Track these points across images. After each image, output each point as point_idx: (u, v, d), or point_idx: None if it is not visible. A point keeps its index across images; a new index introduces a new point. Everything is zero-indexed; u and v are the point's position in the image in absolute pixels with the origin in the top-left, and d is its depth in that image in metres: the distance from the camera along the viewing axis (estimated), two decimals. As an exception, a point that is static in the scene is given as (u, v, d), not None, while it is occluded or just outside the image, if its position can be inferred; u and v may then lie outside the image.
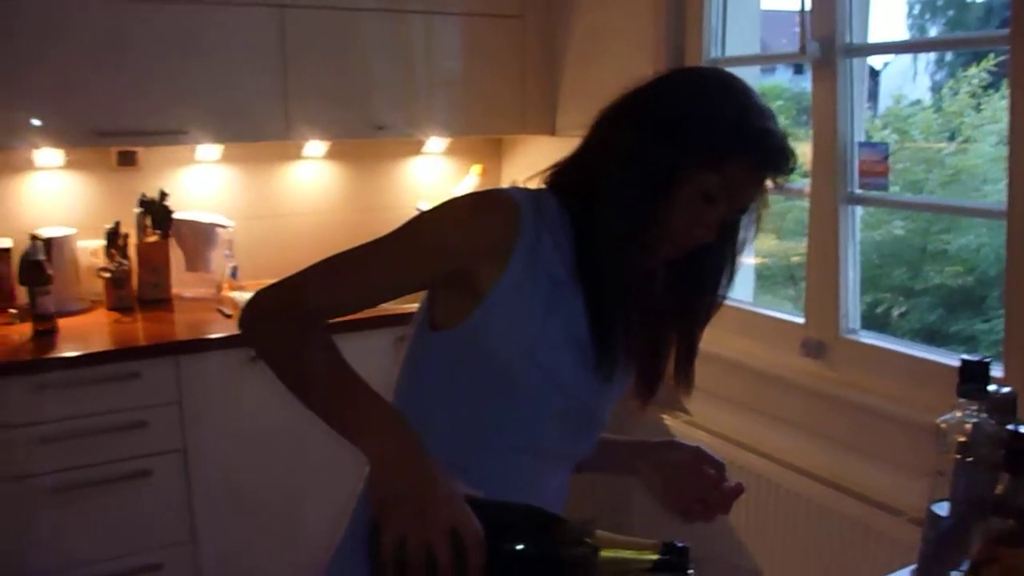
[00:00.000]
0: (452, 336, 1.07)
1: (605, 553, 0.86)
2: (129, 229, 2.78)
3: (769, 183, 1.07)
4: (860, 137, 2.20)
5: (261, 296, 1.04)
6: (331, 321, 1.04)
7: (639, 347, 1.14)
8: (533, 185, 1.13)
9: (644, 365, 1.16)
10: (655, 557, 0.87)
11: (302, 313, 1.02)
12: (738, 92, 1.08)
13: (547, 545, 0.87)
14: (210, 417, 2.48)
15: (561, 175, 1.12)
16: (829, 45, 2.15)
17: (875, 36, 2.25)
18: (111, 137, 2.59)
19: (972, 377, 1.07)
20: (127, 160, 2.87)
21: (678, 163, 1.03)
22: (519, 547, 0.85)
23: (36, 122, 2.45)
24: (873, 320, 4.18)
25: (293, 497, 2.61)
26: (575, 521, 0.88)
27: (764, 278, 4.49)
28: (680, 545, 0.88)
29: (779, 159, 1.05)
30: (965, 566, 0.96)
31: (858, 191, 2.19)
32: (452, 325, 1.07)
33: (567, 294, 1.06)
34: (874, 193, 2.18)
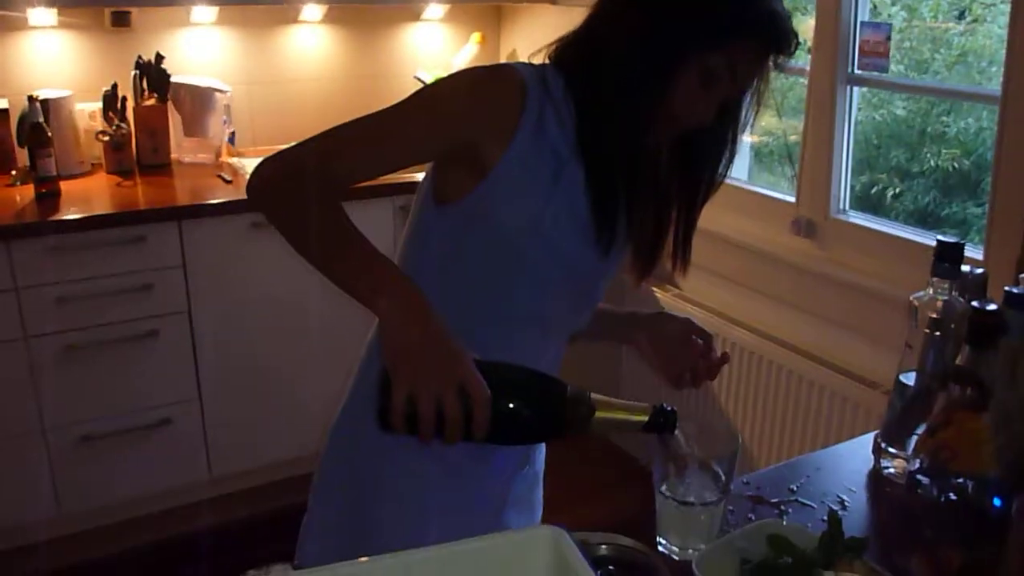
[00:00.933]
0: (458, 209, 1.09)
1: (600, 413, 0.93)
2: (126, 92, 2.77)
3: (770, 63, 1.07)
4: (864, 16, 2.18)
5: (269, 163, 1.05)
6: (340, 189, 1.06)
7: (639, 224, 1.17)
8: (538, 60, 1.13)
9: (643, 242, 1.19)
10: (646, 418, 0.94)
11: (312, 179, 1.03)
12: None
13: (547, 404, 0.93)
14: (213, 281, 2.54)
15: (566, 51, 1.12)
16: (839, -82, 2.11)
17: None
18: (106, -3, 2.54)
19: (946, 257, 1.13)
20: (121, 21, 2.82)
21: (684, 43, 1.03)
22: (521, 404, 0.91)
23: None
24: (868, 201, 4.21)
25: (294, 360, 2.71)
26: (572, 384, 0.95)
27: (763, 156, 4.48)
28: (669, 408, 0.95)
29: (783, 40, 1.05)
30: (922, 429, 1.04)
31: (858, 71, 2.19)
32: (458, 198, 1.09)
33: (570, 170, 1.08)
34: (872, 74, 2.18)
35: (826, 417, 2.17)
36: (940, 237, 1.13)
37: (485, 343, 1.04)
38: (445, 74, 3.08)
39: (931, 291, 1.15)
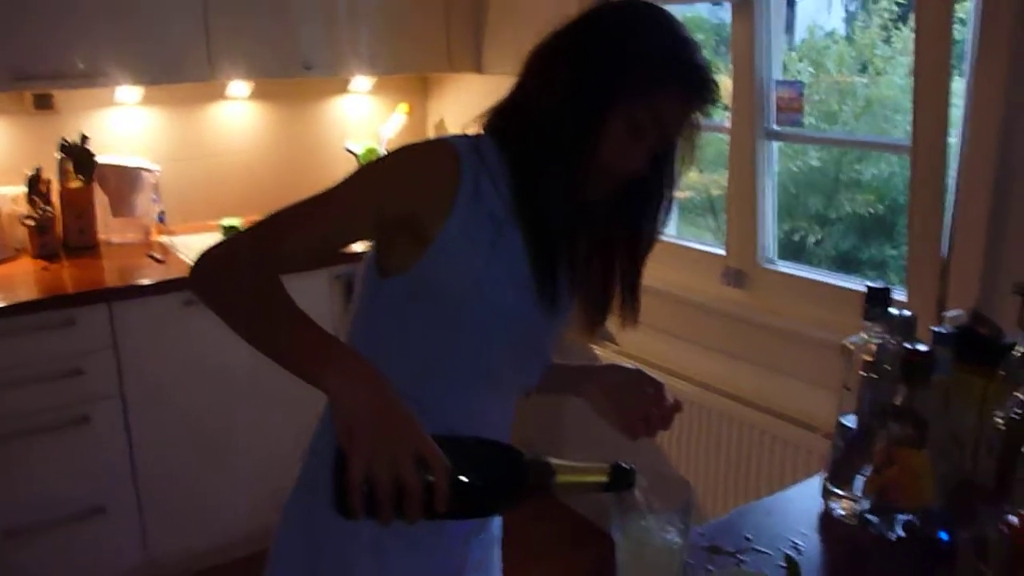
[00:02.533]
0: (402, 281, 1.11)
1: (561, 477, 0.93)
2: (50, 175, 2.72)
3: (696, 113, 1.10)
4: (778, 74, 2.28)
5: (209, 252, 1.06)
6: (280, 271, 1.06)
7: (584, 280, 1.19)
8: (472, 130, 1.16)
9: (589, 296, 1.21)
10: (605, 478, 0.95)
11: (251, 264, 1.04)
12: (667, 25, 1.11)
13: (506, 472, 0.92)
14: (146, 361, 2.49)
15: (497, 118, 1.15)
16: (748, -16, 2.22)
17: (791, -26, 2.32)
18: (28, 81, 2.51)
19: (876, 302, 1.18)
20: (44, 103, 2.79)
21: (611, 96, 1.05)
22: (480, 475, 0.90)
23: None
24: (790, 248, 4.35)
25: (233, 434, 2.65)
26: (528, 450, 0.95)
27: (686, 210, 4.61)
28: (627, 466, 0.96)
29: (706, 91, 1.08)
30: (867, 470, 1.07)
31: (775, 127, 2.29)
32: (402, 270, 1.10)
33: (508, 232, 1.10)
34: (790, 129, 2.28)
35: (768, 462, 2.21)
36: (868, 283, 1.18)
37: (437, 406, 1.06)
38: (374, 145, 3.11)
39: (863, 335, 1.20)
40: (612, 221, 1.19)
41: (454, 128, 1.21)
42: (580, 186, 1.11)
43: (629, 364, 1.35)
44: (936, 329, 1.08)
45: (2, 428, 2.30)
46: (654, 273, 2.57)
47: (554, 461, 0.94)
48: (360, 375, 0.92)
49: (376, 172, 1.14)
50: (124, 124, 2.96)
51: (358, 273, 1.21)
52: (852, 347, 1.20)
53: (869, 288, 1.18)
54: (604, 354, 2.73)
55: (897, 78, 4.46)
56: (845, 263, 4.55)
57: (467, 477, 0.89)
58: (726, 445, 2.32)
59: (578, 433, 2.83)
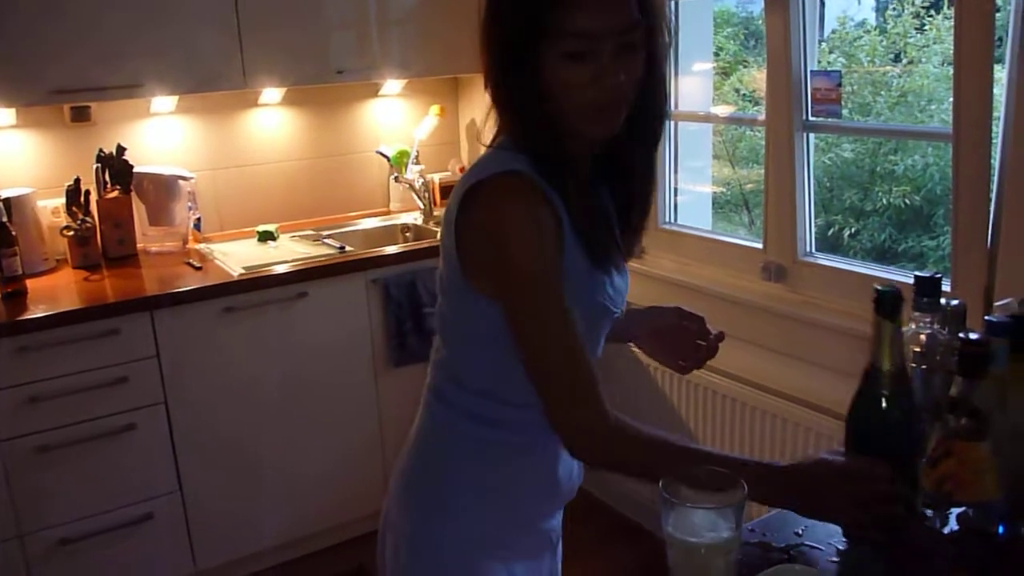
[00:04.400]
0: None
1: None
2: (89, 186, 2.76)
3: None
4: (813, 66, 2.26)
5: (592, 447, 1.12)
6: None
7: (623, 211, 1.22)
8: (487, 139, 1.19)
9: (628, 220, 1.23)
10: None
11: (606, 419, 1.09)
12: None
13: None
14: (188, 369, 2.51)
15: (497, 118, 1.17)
16: (781, -25, 2.20)
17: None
18: (66, 94, 2.55)
19: (925, 292, 1.16)
20: (81, 116, 2.83)
21: (524, 39, 1.05)
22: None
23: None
24: (826, 242, 4.31)
25: (275, 440, 2.67)
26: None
27: (719, 205, 4.58)
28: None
29: None
30: (923, 461, 1.05)
31: (812, 119, 2.26)
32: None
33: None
34: (828, 120, 2.25)
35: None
36: (917, 273, 1.16)
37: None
38: (406, 148, 3.07)
39: (913, 325, 1.17)
40: (627, 151, 1.19)
41: (487, 129, 1.20)
42: (565, 136, 1.11)
43: (668, 304, 1.39)
44: (990, 318, 1.06)
45: (53, 438, 2.34)
46: (691, 270, 2.59)
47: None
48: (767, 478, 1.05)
49: (522, 252, 1.09)
50: (160, 134, 2.99)
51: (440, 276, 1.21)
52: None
53: (918, 278, 1.16)
54: (642, 354, 2.71)
55: (932, 67, 4.41)
56: (882, 255, 4.50)
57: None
58: (770, 441, 2.29)
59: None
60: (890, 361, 1.03)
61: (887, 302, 1.02)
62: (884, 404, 1.04)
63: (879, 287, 1.02)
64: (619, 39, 1.05)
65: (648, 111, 1.16)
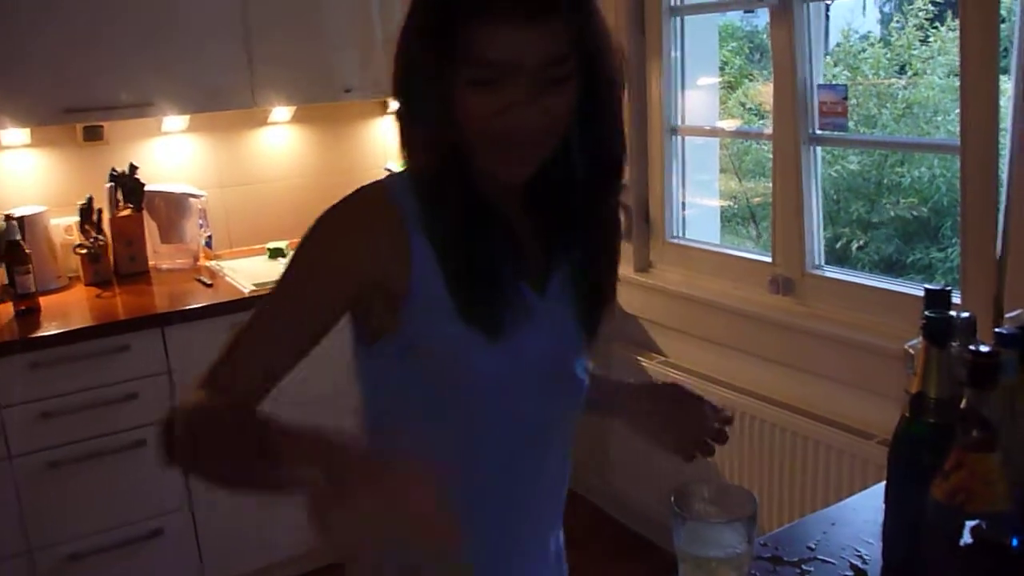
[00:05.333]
0: (390, 347, 1.02)
1: None
2: (101, 204, 2.79)
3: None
4: (819, 79, 2.27)
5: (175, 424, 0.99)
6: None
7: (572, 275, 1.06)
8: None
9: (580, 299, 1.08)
10: None
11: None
12: None
13: None
14: (199, 385, 2.52)
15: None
16: (786, -10, 2.21)
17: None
18: (78, 113, 2.58)
19: (935, 304, 1.16)
20: (93, 135, 2.86)
21: (432, 56, 0.93)
22: None
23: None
24: (834, 254, 4.31)
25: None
26: None
27: (726, 218, 4.58)
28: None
29: None
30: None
31: (819, 132, 2.27)
32: (389, 334, 1.01)
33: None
34: (835, 133, 2.26)
35: (824, 472, 2.18)
36: (927, 286, 1.16)
37: (485, 467, 1.04)
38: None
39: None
40: (573, 203, 1.04)
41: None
42: (478, 177, 0.97)
43: (661, 377, 1.30)
44: (1000, 330, 1.06)
45: (63, 453, 2.35)
46: (699, 283, 2.59)
47: None
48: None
49: (311, 258, 1.00)
50: (171, 153, 3.02)
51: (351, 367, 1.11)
52: (913, 351, 1.18)
53: (928, 291, 1.16)
54: (651, 365, 2.72)
55: (937, 78, 4.42)
56: (890, 267, 4.50)
57: None
58: (779, 455, 2.29)
59: (626, 452, 2.82)
60: (938, 388, 1.03)
61: (936, 328, 1.02)
62: (931, 431, 1.03)
63: (929, 313, 1.01)
64: (538, 72, 0.91)
65: (594, 156, 1.01)
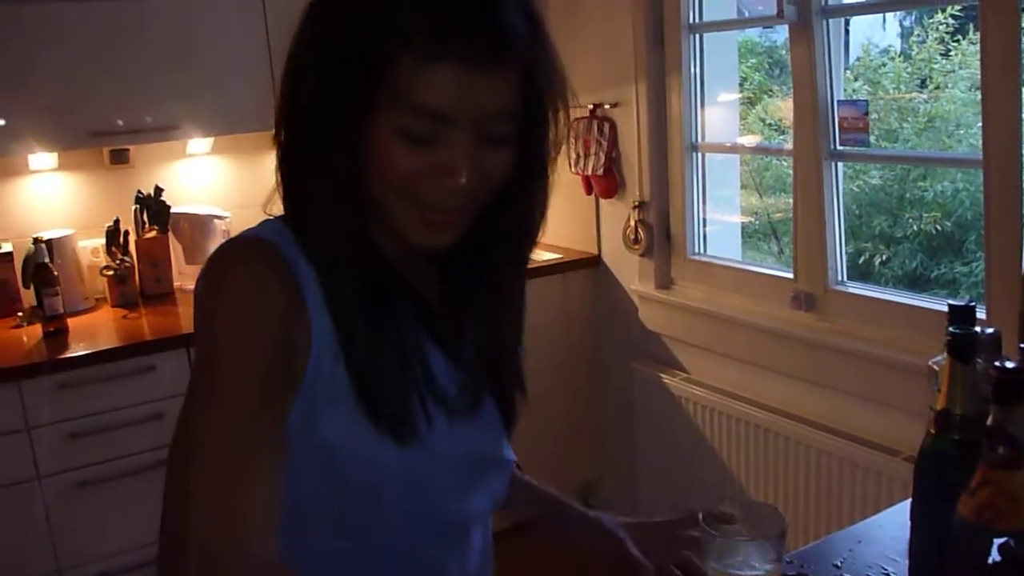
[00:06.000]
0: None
1: None
2: (127, 226, 2.83)
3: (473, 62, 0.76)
4: (839, 95, 2.27)
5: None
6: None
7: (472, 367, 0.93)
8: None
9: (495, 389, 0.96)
10: None
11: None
12: None
13: None
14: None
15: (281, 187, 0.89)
16: (806, 7, 2.21)
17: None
18: (105, 137, 2.63)
19: (960, 320, 1.15)
20: (120, 158, 2.90)
21: (354, 85, 0.77)
22: None
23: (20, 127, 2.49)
24: (856, 270, 4.28)
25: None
26: None
27: (747, 234, 4.57)
28: None
29: (462, 25, 0.74)
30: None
31: (840, 147, 2.27)
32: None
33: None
34: (856, 149, 2.26)
35: (850, 488, 2.16)
36: (951, 302, 1.16)
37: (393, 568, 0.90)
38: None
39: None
40: (477, 271, 0.91)
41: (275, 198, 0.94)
42: (375, 240, 0.85)
43: (614, 530, 1.08)
44: (1025, 346, 1.06)
45: (91, 473, 2.38)
46: (720, 299, 2.59)
47: None
48: None
49: (230, 341, 0.81)
50: (195, 174, 3.06)
51: None
52: (938, 368, 1.17)
53: (952, 306, 1.16)
54: (673, 382, 2.71)
55: (959, 92, 4.40)
56: (914, 282, 4.47)
57: None
58: (804, 471, 2.27)
59: (650, 469, 2.81)
60: (963, 405, 1.03)
61: (961, 345, 1.02)
62: (957, 448, 1.03)
63: (953, 329, 1.01)
64: (482, 128, 0.79)
65: (511, 222, 0.88)
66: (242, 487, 0.76)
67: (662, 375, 2.75)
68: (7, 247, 2.71)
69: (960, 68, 4.37)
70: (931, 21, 4.47)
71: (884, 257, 4.64)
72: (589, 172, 2.93)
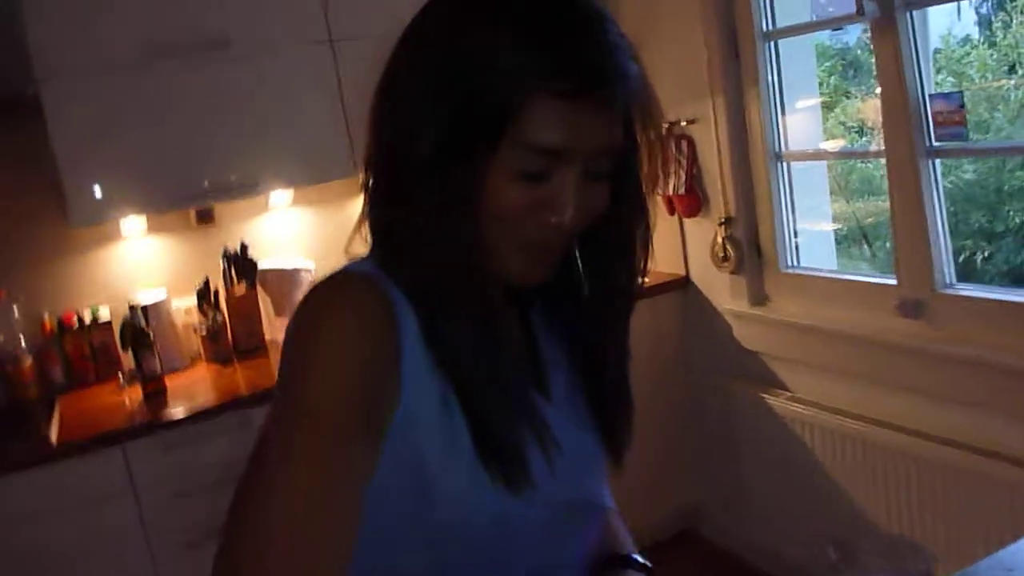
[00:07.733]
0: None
1: None
2: (217, 284, 2.88)
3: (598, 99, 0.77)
4: (930, 88, 2.16)
5: None
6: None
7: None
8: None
9: (604, 418, 0.93)
10: None
11: None
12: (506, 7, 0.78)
13: None
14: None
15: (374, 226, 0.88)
16: (887, 1, 2.12)
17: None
18: (192, 199, 2.69)
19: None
20: (205, 218, 2.97)
21: (471, 145, 0.77)
22: None
23: (100, 192, 2.57)
24: (957, 269, 4.09)
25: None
26: None
27: (836, 241, 4.42)
28: None
29: (586, 68, 0.76)
30: None
31: (936, 144, 2.15)
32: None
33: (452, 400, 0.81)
34: (953, 144, 2.14)
35: (989, 509, 2.00)
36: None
37: None
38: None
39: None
40: (576, 313, 0.90)
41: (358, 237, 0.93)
42: (487, 281, 0.81)
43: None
44: None
45: (198, 533, 2.39)
46: (819, 312, 2.48)
47: None
48: None
49: (325, 375, 0.78)
50: (278, 227, 3.10)
51: None
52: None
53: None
54: (776, 402, 2.60)
55: (1053, 74, 4.17)
56: (1021, 278, 4.23)
57: None
58: (930, 491, 2.13)
59: (759, 493, 2.69)
60: None
61: None
62: None
63: None
64: (587, 164, 0.79)
65: (603, 270, 0.88)
66: (313, 550, 0.73)
67: (764, 395, 2.64)
68: (104, 312, 2.78)
69: (1052, 48, 4.15)
70: (1014, 4, 4.28)
71: (987, 253, 4.42)
72: (671, 192, 2.87)
